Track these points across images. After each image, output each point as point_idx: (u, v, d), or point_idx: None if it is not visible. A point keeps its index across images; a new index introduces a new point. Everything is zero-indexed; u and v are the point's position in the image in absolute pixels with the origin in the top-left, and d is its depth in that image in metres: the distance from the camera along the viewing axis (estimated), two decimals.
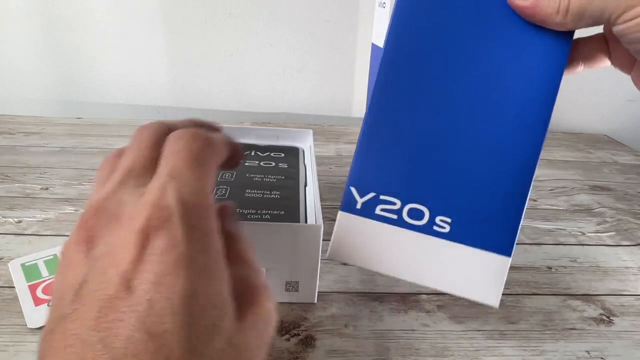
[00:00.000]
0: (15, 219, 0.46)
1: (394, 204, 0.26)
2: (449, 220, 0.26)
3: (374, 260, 0.26)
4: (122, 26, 0.81)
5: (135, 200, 0.17)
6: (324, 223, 0.34)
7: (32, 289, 0.36)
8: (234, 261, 0.19)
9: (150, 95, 0.87)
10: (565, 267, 0.43)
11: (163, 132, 0.20)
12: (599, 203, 0.57)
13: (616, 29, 0.23)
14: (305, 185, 0.47)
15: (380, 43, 0.60)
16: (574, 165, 0.69)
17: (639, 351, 0.33)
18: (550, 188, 0.61)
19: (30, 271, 0.38)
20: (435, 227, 0.26)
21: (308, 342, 0.33)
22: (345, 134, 0.78)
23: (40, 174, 0.57)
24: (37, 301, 0.35)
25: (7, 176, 0.56)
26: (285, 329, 0.34)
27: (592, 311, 0.37)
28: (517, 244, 0.46)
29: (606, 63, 0.29)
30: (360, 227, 0.27)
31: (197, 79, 0.86)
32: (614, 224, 0.52)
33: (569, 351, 0.33)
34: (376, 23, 0.62)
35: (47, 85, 0.86)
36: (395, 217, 0.26)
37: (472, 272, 0.26)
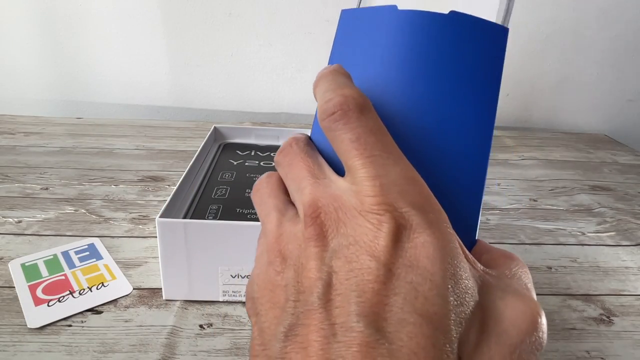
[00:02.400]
0: (15, 219, 0.46)
1: None
2: None
3: None
4: (122, 26, 0.81)
5: (349, 193, 0.16)
6: None
7: (32, 289, 0.36)
8: None
9: (150, 95, 0.87)
10: (565, 267, 0.43)
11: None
12: (599, 203, 0.57)
13: None
14: None
15: None
16: (574, 165, 0.69)
17: (639, 351, 0.33)
18: (550, 188, 0.61)
19: (30, 271, 0.38)
20: None
21: None
22: None
23: (40, 174, 0.57)
24: (37, 301, 0.35)
25: (7, 176, 0.56)
26: None
27: (592, 311, 0.37)
28: (517, 244, 0.46)
29: None
30: None
31: (197, 79, 0.86)
32: (614, 224, 0.52)
33: (569, 351, 0.33)
34: None
35: (47, 85, 0.86)
36: None
37: None
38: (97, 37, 0.82)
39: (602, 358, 0.33)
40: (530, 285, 0.18)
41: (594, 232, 0.50)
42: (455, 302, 0.15)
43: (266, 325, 0.16)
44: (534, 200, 0.57)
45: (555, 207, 0.55)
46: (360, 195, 0.16)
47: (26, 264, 0.39)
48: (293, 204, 0.19)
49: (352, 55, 0.21)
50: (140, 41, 0.83)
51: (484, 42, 0.20)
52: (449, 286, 0.15)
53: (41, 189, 0.53)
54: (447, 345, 0.14)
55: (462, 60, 0.20)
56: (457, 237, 0.16)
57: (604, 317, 0.37)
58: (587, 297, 0.39)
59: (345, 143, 0.17)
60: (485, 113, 0.20)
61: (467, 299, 0.15)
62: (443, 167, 0.19)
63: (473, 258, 0.17)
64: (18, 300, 0.35)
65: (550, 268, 0.43)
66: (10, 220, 0.46)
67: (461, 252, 0.16)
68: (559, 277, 0.41)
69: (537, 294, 0.18)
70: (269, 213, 0.19)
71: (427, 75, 0.20)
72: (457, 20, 0.20)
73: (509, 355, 0.15)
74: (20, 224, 0.46)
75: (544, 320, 0.16)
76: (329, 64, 0.21)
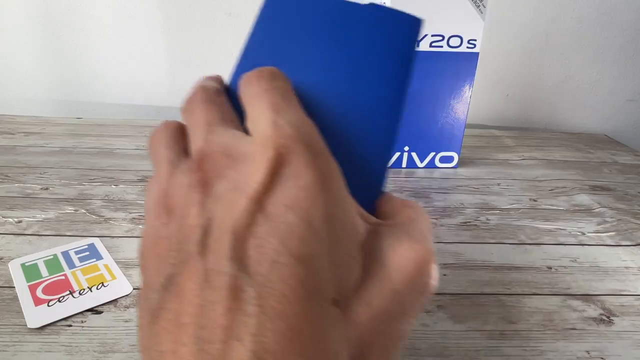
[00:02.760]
0: (15, 219, 0.46)
1: None
2: None
3: None
4: (122, 26, 0.81)
5: (245, 140, 0.17)
6: None
7: (32, 289, 0.36)
8: None
9: (150, 95, 0.87)
10: (565, 267, 0.43)
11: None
12: (599, 203, 0.57)
13: None
14: None
15: None
16: (574, 165, 0.69)
17: (639, 351, 0.33)
18: (550, 188, 0.61)
19: (30, 271, 0.38)
20: None
21: None
22: None
23: (40, 174, 0.57)
24: (37, 301, 0.35)
25: (7, 176, 0.56)
26: None
27: (592, 311, 0.37)
28: (517, 244, 0.46)
29: None
30: None
31: (197, 79, 0.85)
32: (614, 224, 0.52)
33: (569, 351, 0.33)
34: None
35: (47, 85, 0.86)
36: None
37: None
38: (97, 37, 0.82)
39: (602, 358, 0.33)
40: (428, 233, 0.18)
41: (594, 232, 0.50)
42: (332, 245, 0.15)
43: (149, 280, 0.16)
44: (534, 200, 0.57)
45: (555, 207, 0.55)
46: (254, 138, 0.16)
47: (26, 264, 0.39)
48: (188, 155, 0.19)
49: (274, 36, 0.24)
50: (140, 41, 0.83)
51: (397, 30, 0.23)
52: (328, 228, 0.15)
53: (41, 189, 0.53)
54: (319, 286, 0.14)
55: (373, 45, 0.22)
56: (343, 181, 0.17)
57: (604, 317, 0.37)
58: (587, 297, 0.39)
59: (252, 96, 0.18)
60: (392, 89, 0.22)
61: (347, 242, 0.15)
62: (349, 126, 0.22)
63: (362, 210, 0.18)
64: (18, 300, 0.35)
65: (550, 268, 0.43)
66: (10, 220, 0.46)
67: (346, 195, 0.16)
68: (559, 277, 0.41)
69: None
70: (160, 164, 0.19)
71: (339, 56, 0.22)
72: (373, 10, 0.22)
73: (389, 299, 0.15)
74: (20, 224, 0.46)
75: (432, 266, 0.16)
76: (249, 40, 0.24)
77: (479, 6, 0.57)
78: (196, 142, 0.18)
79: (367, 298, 0.15)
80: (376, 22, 0.23)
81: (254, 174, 0.15)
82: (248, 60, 0.25)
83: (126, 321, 0.33)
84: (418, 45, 0.23)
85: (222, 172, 0.16)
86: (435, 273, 0.17)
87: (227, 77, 0.26)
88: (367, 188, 0.20)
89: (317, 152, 0.16)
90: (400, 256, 0.16)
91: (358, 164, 0.21)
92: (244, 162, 0.16)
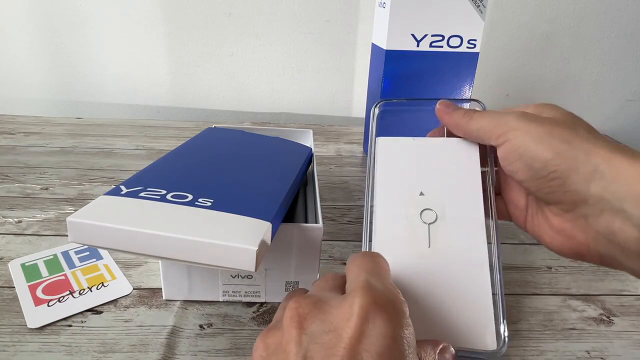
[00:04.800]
0: (15, 219, 0.46)
1: (160, 192, 0.30)
2: (210, 200, 0.30)
3: (126, 240, 0.27)
4: (122, 26, 0.81)
5: (340, 297, 0.22)
6: (324, 223, 0.33)
7: (32, 289, 0.36)
8: None
9: (150, 95, 0.87)
10: (565, 267, 0.43)
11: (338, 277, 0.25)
12: None
13: (498, 152, 0.28)
14: (305, 185, 0.47)
15: (380, 43, 0.60)
16: None
17: (639, 351, 0.33)
18: None
19: (30, 271, 0.38)
20: (197, 203, 0.29)
21: None
22: (345, 134, 0.78)
23: (40, 174, 0.57)
24: (37, 301, 0.35)
25: (7, 176, 0.56)
26: None
27: (592, 311, 0.37)
28: (517, 244, 0.46)
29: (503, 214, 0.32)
30: (121, 204, 0.28)
31: (197, 79, 0.86)
32: None
33: (569, 351, 0.33)
34: (376, 23, 0.62)
35: (47, 85, 0.86)
36: (159, 197, 0.29)
37: (232, 229, 0.27)
38: (97, 37, 0.82)
39: (602, 358, 0.33)
40: None
41: None
42: None
43: None
44: None
45: None
46: (350, 293, 0.22)
47: (26, 264, 0.39)
48: None
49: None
50: (140, 41, 0.83)
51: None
52: None
53: (41, 189, 0.53)
54: None
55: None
56: (412, 328, 0.21)
57: (604, 317, 0.37)
58: (587, 297, 0.39)
59: (355, 264, 0.24)
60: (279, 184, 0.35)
61: None
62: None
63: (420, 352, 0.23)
64: (18, 300, 0.35)
65: (550, 268, 0.43)
66: (10, 220, 0.46)
67: (413, 342, 0.21)
68: (559, 277, 0.41)
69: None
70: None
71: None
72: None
73: None
74: (20, 224, 0.46)
75: None
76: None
77: (479, 6, 0.57)
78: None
79: None
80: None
81: (346, 323, 0.19)
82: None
83: (126, 321, 0.33)
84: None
85: (315, 314, 0.20)
86: None
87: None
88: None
89: (398, 314, 0.21)
90: None
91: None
92: (338, 308, 0.20)
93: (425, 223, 0.30)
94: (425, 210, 0.30)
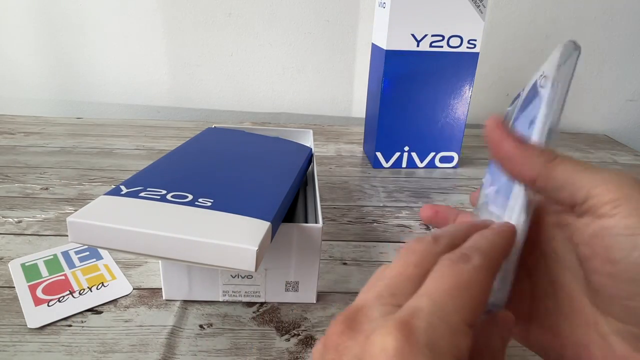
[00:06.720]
0: (15, 219, 0.46)
1: (160, 192, 0.30)
2: (210, 200, 0.30)
3: (127, 240, 0.27)
4: (122, 26, 0.81)
5: (385, 318, 0.17)
6: (323, 223, 0.33)
7: (32, 289, 0.36)
8: None
9: (150, 95, 0.87)
10: None
11: (432, 252, 0.20)
12: None
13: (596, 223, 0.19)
14: (306, 185, 0.47)
15: (380, 43, 0.60)
16: None
17: None
18: None
19: (30, 271, 0.38)
20: (197, 203, 0.30)
21: (308, 342, 0.33)
22: (345, 134, 0.78)
23: (40, 174, 0.57)
24: (37, 301, 0.35)
25: (7, 176, 0.56)
26: (285, 329, 0.34)
27: None
28: None
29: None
30: (121, 204, 0.28)
31: (197, 79, 0.86)
32: None
33: None
34: (376, 23, 0.62)
35: (47, 85, 0.86)
36: (159, 197, 0.30)
37: (232, 229, 0.27)
38: (97, 37, 0.82)
39: None
40: None
41: None
42: None
43: None
44: None
45: None
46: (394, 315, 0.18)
47: (26, 264, 0.39)
48: None
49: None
50: (140, 41, 0.83)
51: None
52: None
53: (41, 189, 0.53)
54: None
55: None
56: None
57: None
58: None
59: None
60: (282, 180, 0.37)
61: None
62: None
63: None
64: (18, 300, 0.35)
65: None
66: (10, 220, 0.46)
67: None
68: None
69: None
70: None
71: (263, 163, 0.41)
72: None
73: None
74: (20, 224, 0.46)
75: None
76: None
77: (479, 6, 0.57)
78: (360, 297, 0.20)
79: None
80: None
81: (387, 341, 0.16)
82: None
83: (126, 321, 0.33)
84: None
85: (349, 343, 0.18)
86: None
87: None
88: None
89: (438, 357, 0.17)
90: None
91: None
92: (368, 343, 0.17)
93: None
94: None
